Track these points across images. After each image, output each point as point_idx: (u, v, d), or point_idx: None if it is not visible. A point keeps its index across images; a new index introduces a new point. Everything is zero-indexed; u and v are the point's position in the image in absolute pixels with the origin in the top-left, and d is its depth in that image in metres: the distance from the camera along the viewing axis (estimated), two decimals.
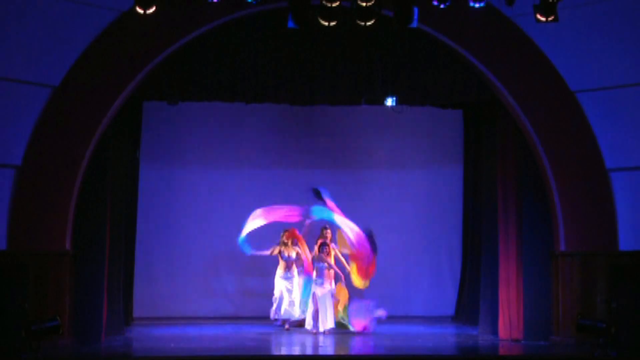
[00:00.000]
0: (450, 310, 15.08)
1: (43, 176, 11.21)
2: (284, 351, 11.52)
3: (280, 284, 13.37)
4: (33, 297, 10.83)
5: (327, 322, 12.71)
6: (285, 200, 15.06)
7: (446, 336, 12.46)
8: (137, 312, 14.27)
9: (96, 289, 11.49)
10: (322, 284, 12.82)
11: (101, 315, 11.53)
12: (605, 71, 11.51)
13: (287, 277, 13.32)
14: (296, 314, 13.26)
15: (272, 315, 13.42)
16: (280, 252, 13.32)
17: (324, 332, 12.61)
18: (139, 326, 13.57)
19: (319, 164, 15.48)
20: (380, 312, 12.98)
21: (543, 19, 10.34)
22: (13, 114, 11.03)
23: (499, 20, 11.73)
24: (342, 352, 11.58)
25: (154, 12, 10.07)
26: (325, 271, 12.87)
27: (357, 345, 11.93)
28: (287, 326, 13.26)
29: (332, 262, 13.15)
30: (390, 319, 13.15)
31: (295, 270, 13.32)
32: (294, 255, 13.30)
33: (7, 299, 10.56)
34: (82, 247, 11.40)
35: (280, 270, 13.40)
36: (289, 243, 13.30)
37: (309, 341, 12.15)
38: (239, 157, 15.36)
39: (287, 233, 13.31)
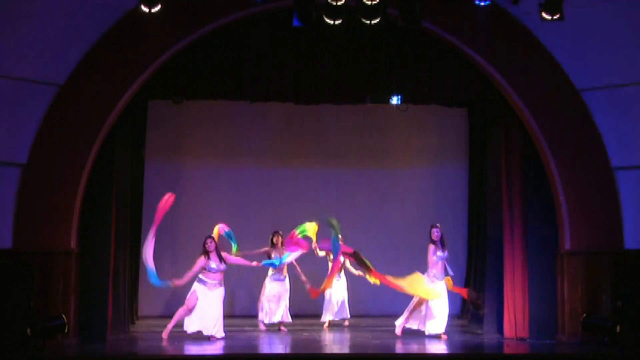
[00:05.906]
0: (455, 309, 15.05)
1: (48, 175, 11.22)
2: (289, 350, 11.51)
3: (270, 286, 13.04)
4: (38, 296, 10.87)
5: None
6: (287, 199, 15.10)
7: (451, 335, 12.43)
8: (142, 311, 14.31)
9: (101, 288, 11.51)
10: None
11: (106, 314, 11.54)
12: (611, 70, 11.49)
13: (278, 279, 13.02)
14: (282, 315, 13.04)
15: (263, 319, 13.04)
16: (269, 253, 12.92)
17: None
18: (144, 325, 13.58)
19: (323, 163, 15.48)
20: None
21: (548, 17, 10.35)
22: (18, 113, 11.04)
23: (504, 19, 11.73)
24: (344, 351, 11.58)
25: (159, 10, 10.10)
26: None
27: (360, 344, 11.92)
28: (265, 327, 13.08)
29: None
30: (395, 317, 13.12)
31: (285, 272, 13.02)
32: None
33: (12, 297, 10.61)
34: (88, 246, 11.42)
35: (270, 271, 13.05)
36: (279, 245, 12.93)
37: (313, 339, 12.14)
38: (244, 156, 15.35)
39: (277, 235, 12.97)
